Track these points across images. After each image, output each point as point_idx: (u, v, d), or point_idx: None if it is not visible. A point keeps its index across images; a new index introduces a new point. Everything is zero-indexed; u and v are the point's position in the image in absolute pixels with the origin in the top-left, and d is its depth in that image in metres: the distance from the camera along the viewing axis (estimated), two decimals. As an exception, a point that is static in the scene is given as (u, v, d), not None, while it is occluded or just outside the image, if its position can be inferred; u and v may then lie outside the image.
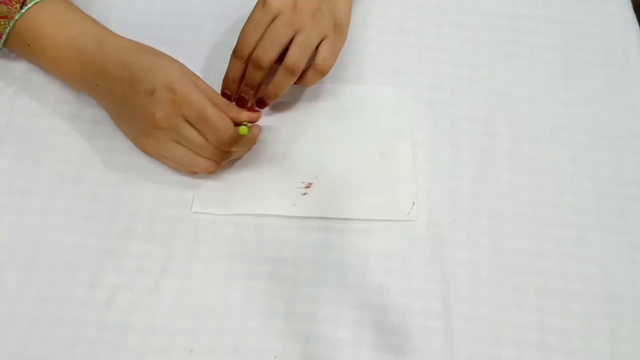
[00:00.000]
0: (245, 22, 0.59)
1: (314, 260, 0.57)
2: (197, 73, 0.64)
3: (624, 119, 0.65)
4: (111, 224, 0.57)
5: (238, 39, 0.59)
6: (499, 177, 0.61)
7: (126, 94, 0.55)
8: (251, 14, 0.59)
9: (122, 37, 0.58)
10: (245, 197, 0.59)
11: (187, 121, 0.54)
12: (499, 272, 0.57)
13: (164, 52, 0.66)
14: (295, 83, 0.60)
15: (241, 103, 0.60)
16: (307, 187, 0.59)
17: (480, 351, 0.54)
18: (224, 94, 0.60)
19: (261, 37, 0.58)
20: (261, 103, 0.61)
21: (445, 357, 0.53)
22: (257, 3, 0.59)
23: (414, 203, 0.59)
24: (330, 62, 0.60)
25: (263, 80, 0.60)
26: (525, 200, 0.60)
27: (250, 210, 0.58)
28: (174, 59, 0.57)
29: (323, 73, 0.60)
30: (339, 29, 0.61)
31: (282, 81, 0.59)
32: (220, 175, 0.59)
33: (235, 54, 0.59)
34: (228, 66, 0.60)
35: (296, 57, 0.58)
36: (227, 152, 0.57)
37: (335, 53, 0.61)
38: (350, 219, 0.58)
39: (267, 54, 0.58)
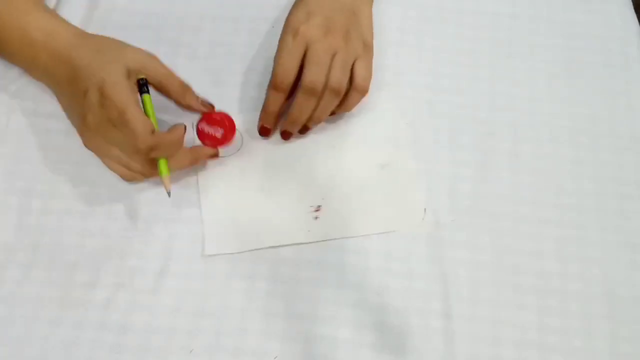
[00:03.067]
0: (278, 53, 0.59)
1: (314, 260, 0.57)
2: (196, 73, 0.65)
3: (624, 119, 0.65)
4: (111, 223, 0.57)
5: (275, 72, 0.58)
6: (499, 177, 0.61)
7: (66, 91, 0.56)
8: (282, 44, 0.59)
9: (73, 28, 0.58)
10: (258, 229, 0.57)
11: (113, 124, 0.53)
12: (499, 272, 0.57)
13: (164, 52, 0.66)
14: (336, 111, 0.60)
15: (286, 136, 0.60)
16: (317, 210, 0.59)
17: (480, 351, 0.54)
18: (263, 128, 0.60)
19: (306, 65, 0.58)
20: (303, 129, 0.60)
21: (445, 357, 0.53)
22: (286, 34, 0.59)
23: (425, 209, 0.59)
24: (369, 81, 0.61)
25: (313, 109, 0.59)
26: (525, 200, 0.60)
27: (267, 243, 0.57)
28: (122, 53, 0.56)
29: (364, 92, 0.60)
30: (367, 48, 0.62)
31: (328, 103, 0.59)
32: (227, 209, 0.58)
33: (274, 86, 0.58)
34: (266, 99, 0.60)
35: (339, 77, 0.58)
36: (151, 160, 0.54)
37: (370, 71, 0.62)
38: (369, 235, 0.58)
39: (320, 79, 0.57)
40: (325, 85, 0.58)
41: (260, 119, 0.61)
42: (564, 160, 0.63)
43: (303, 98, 0.58)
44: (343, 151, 0.62)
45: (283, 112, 0.61)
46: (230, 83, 0.63)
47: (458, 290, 0.56)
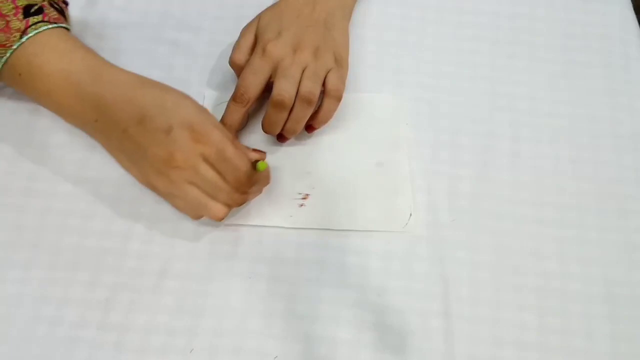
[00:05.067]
0: (245, 68, 0.59)
1: (314, 260, 0.57)
2: (196, 73, 0.65)
3: (624, 119, 0.65)
4: (111, 223, 0.57)
5: (238, 85, 0.59)
6: (499, 177, 0.61)
7: (133, 132, 0.52)
8: (250, 60, 0.60)
9: (120, 69, 0.55)
10: (242, 207, 0.58)
11: (205, 161, 0.52)
12: (499, 272, 0.57)
13: (164, 52, 0.66)
14: (311, 124, 0.60)
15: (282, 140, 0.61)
16: (304, 198, 0.59)
17: (480, 351, 0.54)
18: None
19: (276, 80, 0.58)
20: (281, 139, 0.61)
21: (445, 357, 0.53)
22: (256, 50, 0.60)
23: (410, 214, 0.59)
24: (342, 88, 0.61)
25: (284, 122, 0.59)
26: (525, 200, 0.60)
27: (246, 221, 0.58)
28: (183, 93, 0.55)
29: (338, 98, 0.60)
30: (340, 62, 0.62)
31: (301, 113, 0.59)
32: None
33: (235, 98, 0.58)
34: (225, 111, 0.59)
35: (309, 86, 0.58)
36: (243, 195, 0.55)
37: (342, 81, 0.62)
38: (347, 230, 0.58)
39: (289, 91, 0.58)
40: (295, 97, 0.58)
41: None
42: (564, 160, 0.63)
43: (272, 111, 0.58)
44: (341, 147, 0.62)
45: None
46: (230, 83, 0.63)
47: (458, 290, 0.56)
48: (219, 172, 0.53)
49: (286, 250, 0.57)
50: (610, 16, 0.71)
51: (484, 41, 0.69)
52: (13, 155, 0.60)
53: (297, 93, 0.59)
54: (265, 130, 0.60)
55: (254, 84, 0.59)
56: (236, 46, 0.61)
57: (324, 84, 0.60)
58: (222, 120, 0.59)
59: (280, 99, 0.58)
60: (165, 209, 0.58)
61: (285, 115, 0.59)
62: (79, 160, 0.60)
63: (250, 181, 0.54)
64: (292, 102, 0.58)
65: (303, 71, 0.59)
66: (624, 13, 0.71)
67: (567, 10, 0.71)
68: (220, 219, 0.55)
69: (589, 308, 0.56)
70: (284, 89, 0.58)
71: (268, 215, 0.58)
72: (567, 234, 0.59)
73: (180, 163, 0.51)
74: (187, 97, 0.54)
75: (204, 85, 0.64)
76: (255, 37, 0.62)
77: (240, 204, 0.56)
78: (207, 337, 0.53)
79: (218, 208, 0.54)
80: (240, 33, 0.62)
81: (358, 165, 0.61)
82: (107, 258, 0.56)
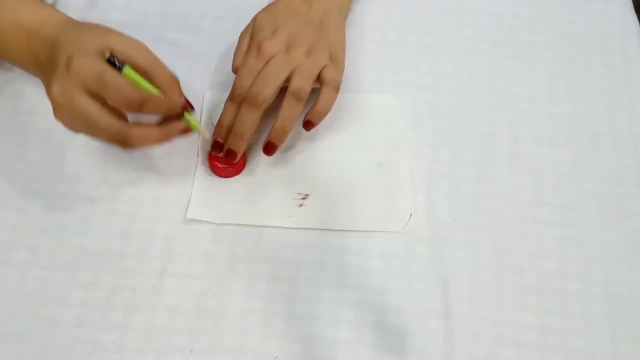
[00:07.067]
0: (240, 67, 0.59)
1: (314, 260, 0.57)
2: (197, 73, 0.65)
3: (624, 119, 0.65)
4: (111, 223, 0.57)
5: (234, 84, 0.59)
6: (499, 177, 0.61)
7: (48, 69, 0.52)
8: (245, 59, 0.59)
9: (66, 17, 0.56)
10: (241, 207, 0.58)
11: (89, 93, 0.50)
12: (499, 272, 0.57)
13: (164, 52, 0.66)
14: (309, 119, 0.58)
15: (231, 156, 0.58)
16: (304, 198, 0.59)
17: (480, 351, 0.54)
18: (216, 142, 0.58)
19: (258, 79, 0.57)
20: (269, 148, 0.58)
21: (445, 357, 0.53)
22: (251, 49, 0.60)
23: (411, 215, 0.59)
24: (339, 79, 0.60)
25: (256, 124, 0.58)
26: (525, 200, 0.60)
27: (246, 220, 0.58)
28: (105, 34, 0.52)
29: (336, 88, 0.59)
30: (335, 60, 0.61)
31: (290, 110, 0.57)
32: (216, 184, 0.59)
33: (231, 98, 0.58)
34: (223, 111, 0.58)
35: (299, 82, 0.57)
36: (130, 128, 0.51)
37: (339, 74, 0.61)
38: (347, 231, 0.58)
39: (263, 91, 0.56)
40: (267, 97, 0.57)
41: (215, 132, 0.59)
42: (564, 160, 0.63)
43: (244, 110, 0.57)
44: (341, 147, 0.62)
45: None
46: (230, 84, 0.63)
47: (458, 290, 0.56)
48: (103, 98, 0.50)
49: (286, 250, 0.57)
50: (611, 16, 0.71)
51: (484, 41, 0.69)
52: (13, 155, 0.60)
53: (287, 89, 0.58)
54: (234, 132, 0.58)
55: (249, 82, 0.58)
56: (236, 52, 0.61)
57: (319, 79, 0.59)
58: (219, 120, 0.59)
59: (251, 97, 0.56)
60: (165, 208, 0.58)
61: (254, 116, 0.57)
62: (79, 160, 0.60)
63: (138, 100, 0.50)
64: (265, 103, 0.57)
65: (293, 71, 0.58)
66: (624, 13, 0.71)
67: (568, 10, 0.71)
68: (126, 144, 0.51)
69: (589, 308, 0.56)
70: (258, 89, 0.56)
71: (268, 215, 0.58)
72: (567, 234, 0.59)
73: (58, 98, 0.50)
74: (96, 37, 0.52)
75: (205, 85, 0.64)
76: (251, 38, 0.61)
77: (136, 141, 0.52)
78: (207, 337, 0.53)
79: (108, 125, 0.51)
80: (239, 38, 0.62)
81: (358, 165, 0.61)
82: (107, 258, 0.56)
